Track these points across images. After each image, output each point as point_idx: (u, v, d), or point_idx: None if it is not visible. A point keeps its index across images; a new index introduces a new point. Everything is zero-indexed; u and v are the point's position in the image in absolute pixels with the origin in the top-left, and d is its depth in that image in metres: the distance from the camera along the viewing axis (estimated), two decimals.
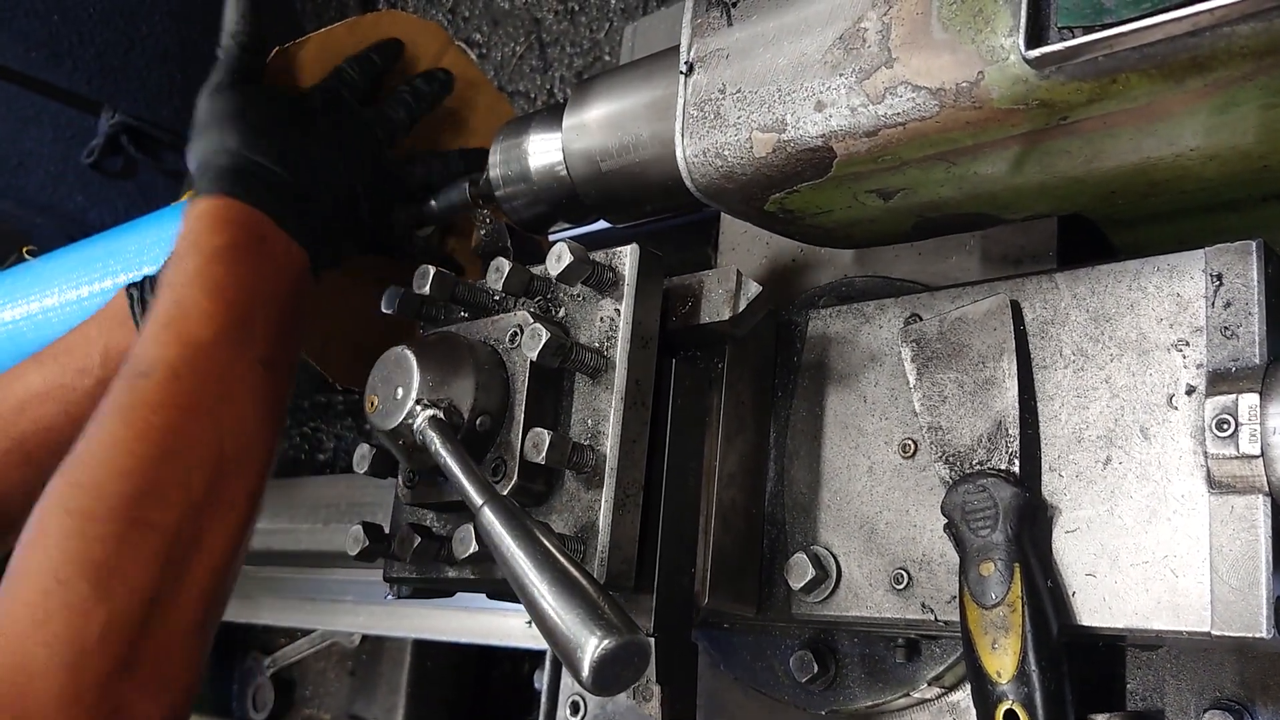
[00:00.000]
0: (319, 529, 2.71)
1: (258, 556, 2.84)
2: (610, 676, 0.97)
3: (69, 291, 2.26)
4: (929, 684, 1.38)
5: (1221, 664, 1.35)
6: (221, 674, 3.86)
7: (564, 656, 0.98)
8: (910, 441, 1.30)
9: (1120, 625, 1.12)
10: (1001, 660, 1.11)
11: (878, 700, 1.41)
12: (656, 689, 1.23)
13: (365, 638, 3.54)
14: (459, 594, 2.34)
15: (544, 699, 2.00)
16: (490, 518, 1.10)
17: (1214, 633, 1.06)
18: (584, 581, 1.02)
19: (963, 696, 1.41)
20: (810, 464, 1.38)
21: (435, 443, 1.20)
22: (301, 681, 3.76)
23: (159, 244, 2.08)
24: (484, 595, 2.26)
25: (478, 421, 1.25)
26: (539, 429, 1.21)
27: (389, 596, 1.52)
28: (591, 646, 0.96)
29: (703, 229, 1.99)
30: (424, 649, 3.38)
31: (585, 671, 0.96)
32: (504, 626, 2.28)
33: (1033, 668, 1.10)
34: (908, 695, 1.39)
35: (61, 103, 3.50)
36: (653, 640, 1.23)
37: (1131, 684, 1.40)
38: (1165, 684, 1.38)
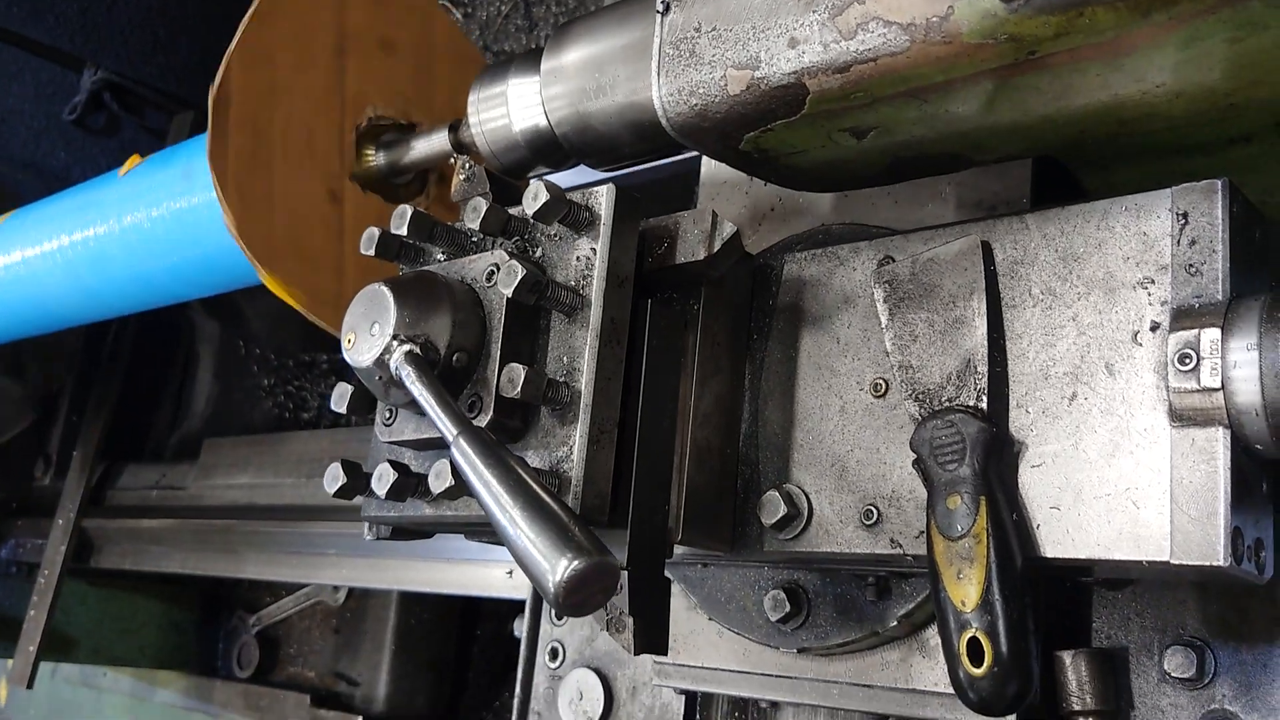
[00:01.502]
0: (302, 483, 2.72)
1: (242, 511, 2.85)
2: (580, 597, 0.98)
3: (48, 243, 2.26)
4: (899, 622, 1.40)
5: (1184, 603, 1.38)
6: (207, 632, 3.89)
7: (535, 579, 1.00)
8: (881, 381, 1.32)
9: (1082, 556, 1.14)
10: (966, 590, 1.13)
11: (848, 638, 1.43)
12: (629, 621, 1.25)
13: (350, 595, 3.56)
14: (440, 542, 2.36)
15: (523, 645, 2.02)
16: (465, 447, 1.11)
17: (1173, 562, 1.08)
18: (555, 506, 1.04)
19: (932, 634, 1.43)
20: (784, 404, 1.40)
21: (410, 377, 1.21)
22: (286, 639, 3.78)
23: (138, 195, 2.08)
24: (464, 541, 2.28)
25: (454, 358, 1.26)
26: (515, 364, 1.22)
27: (369, 536, 1.54)
28: (561, 568, 0.98)
29: (684, 184, 2.00)
30: (408, 606, 3.40)
31: (555, 592, 0.97)
32: (486, 577, 2.30)
33: (996, 597, 1.12)
34: (877, 633, 1.42)
35: (43, 59, 3.47)
36: (626, 574, 1.25)
37: (1097, 623, 1.43)
38: (1130, 622, 1.41)
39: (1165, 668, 1.35)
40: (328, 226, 1.71)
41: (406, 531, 1.53)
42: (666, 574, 1.59)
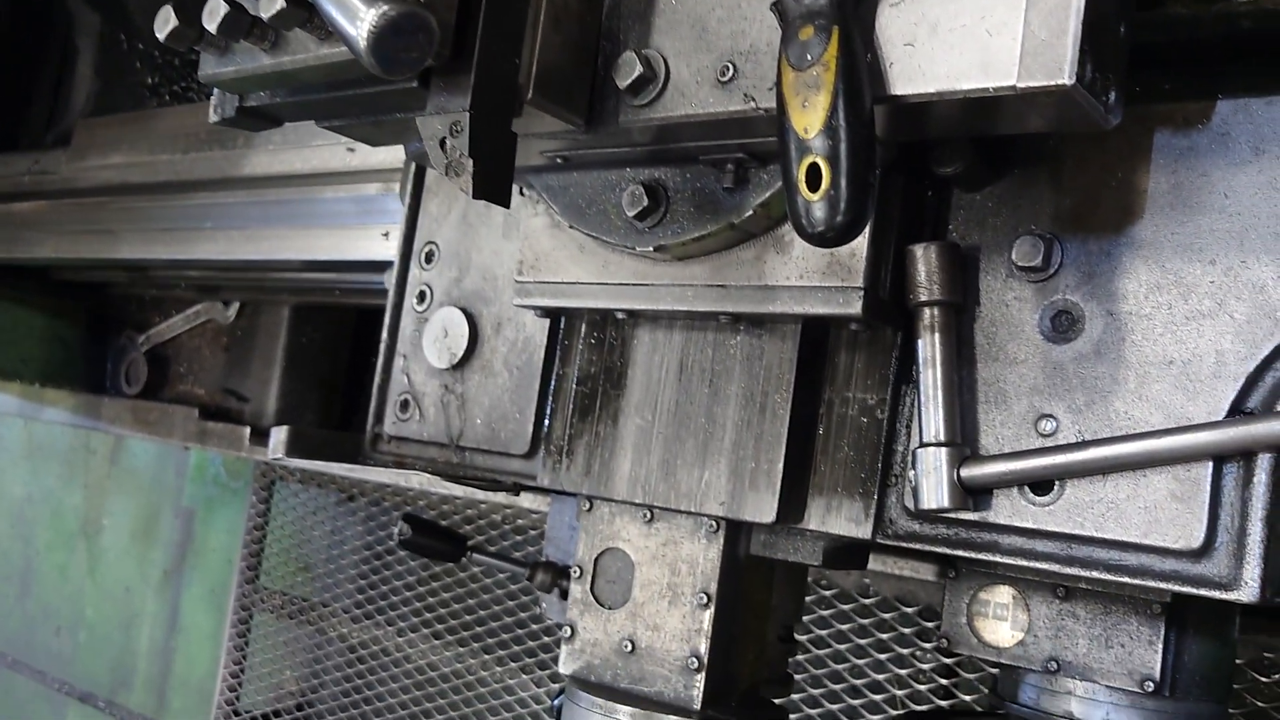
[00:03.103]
0: (178, 159, 2.61)
1: (116, 189, 2.74)
2: (390, 47, 0.92)
3: None
4: (755, 212, 1.37)
5: (1039, 202, 1.37)
6: (94, 350, 3.82)
7: (346, 35, 0.94)
8: None
9: (931, 90, 1.11)
10: (810, 118, 1.10)
11: (705, 231, 1.41)
12: (469, 163, 1.20)
13: (240, 313, 3.50)
14: (315, 206, 2.29)
15: (391, 293, 1.98)
16: None
17: (1019, 84, 1.05)
18: None
19: (786, 230, 1.41)
20: None
21: None
22: (176, 358, 3.73)
23: None
24: (339, 205, 2.22)
25: None
26: None
27: (214, 118, 1.46)
28: (372, 14, 0.91)
29: None
30: (299, 324, 3.36)
31: (365, 40, 0.91)
32: (363, 241, 2.24)
33: (840, 123, 1.08)
34: (733, 225, 1.39)
35: None
36: (468, 116, 1.20)
37: (954, 224, 1.42)
38: (985, 222, 1.40)
39: (1013, 258, 1.34)
40: None
41: (252, 115, 1.45)
42: (530, 180, 1.56)
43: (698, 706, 1.48)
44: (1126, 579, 1.26)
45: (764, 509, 1.44)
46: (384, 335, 1.97)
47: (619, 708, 1.49)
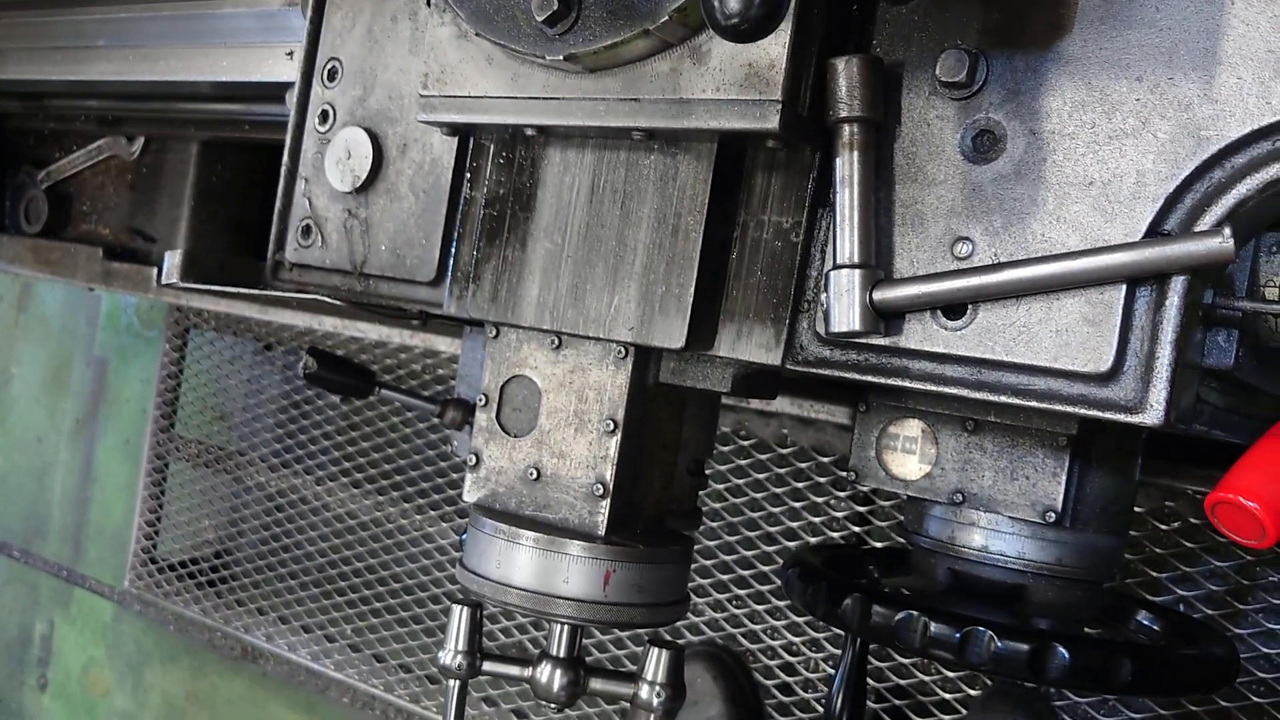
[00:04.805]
0: None
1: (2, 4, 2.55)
2: None
3: None
4: (670, 17, 1.29)
5: (966, 15, 1.31)
6: None
7: None
8: None
9: None
10: None
11: (618, 38, 1.33)
12: None
13: (146, 150, 3.34)
14: (215, 22, 2.16)
15: (292, 114, 1.88)
16: None
17: None
18: None
19: (704, 39, 1.34)
20: None
21: None
22: (78, 196, 3.57)
23: None
24: (240, 20, 2.09)
25: None
26: None
27: None
28: None
29: None
30: (209, 162, 3.20)
31: None
32: (266, 61, 2.11)
33: None
34: (648, 31, 1.31)
35: None
36: None
37: (878, 39, 1.36)
38: (911, 37, 1.34)
39: (936, 74, 1.29)
40: None
41: None
42: None
43: (602, 532, 1.46)
44: (1034, 403, 1.24)
45: (673, 334, 1.40)
46: (285, 158, 1.87)
47: (523, 533, 1.47)
